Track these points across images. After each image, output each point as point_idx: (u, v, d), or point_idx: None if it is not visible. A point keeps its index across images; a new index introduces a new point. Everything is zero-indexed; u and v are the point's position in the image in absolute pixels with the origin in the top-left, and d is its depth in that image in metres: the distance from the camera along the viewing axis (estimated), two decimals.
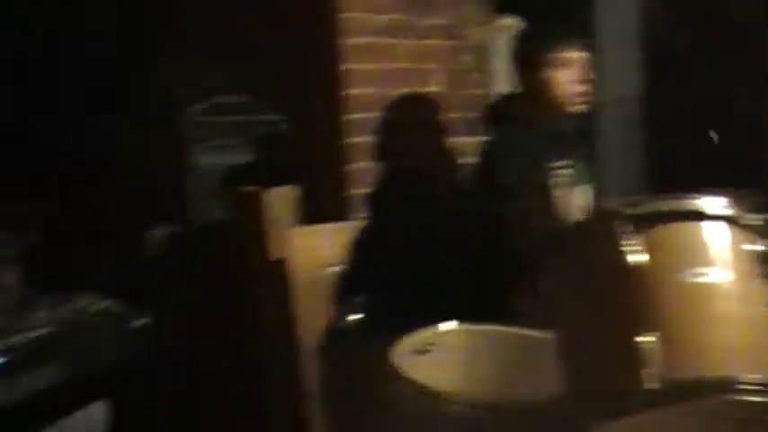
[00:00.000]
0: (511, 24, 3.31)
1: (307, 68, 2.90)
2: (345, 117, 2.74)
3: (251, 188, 2.80)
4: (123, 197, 3.51)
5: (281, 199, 2.72)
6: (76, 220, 3.62)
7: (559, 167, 2.54)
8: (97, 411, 2.01)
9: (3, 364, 1.80)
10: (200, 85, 3.64)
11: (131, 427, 2.10)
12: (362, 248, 2.74)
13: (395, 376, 1.87)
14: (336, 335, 2.62)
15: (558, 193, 2.52)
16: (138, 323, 2.04)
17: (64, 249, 3.47)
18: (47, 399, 1.81)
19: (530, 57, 2.60)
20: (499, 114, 2.70)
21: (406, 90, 2.92)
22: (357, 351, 2.61)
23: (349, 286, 2.63)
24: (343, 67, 2.74)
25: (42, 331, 2.11)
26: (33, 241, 3.56)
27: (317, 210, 2.72)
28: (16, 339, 2.05)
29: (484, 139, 2.70)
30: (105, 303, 2.19)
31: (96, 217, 3.56)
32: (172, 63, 3.68)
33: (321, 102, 2.82)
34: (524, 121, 2.59)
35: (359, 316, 2.63)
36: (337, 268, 2.63)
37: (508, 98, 2.75)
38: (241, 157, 3.55)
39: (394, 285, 2.70)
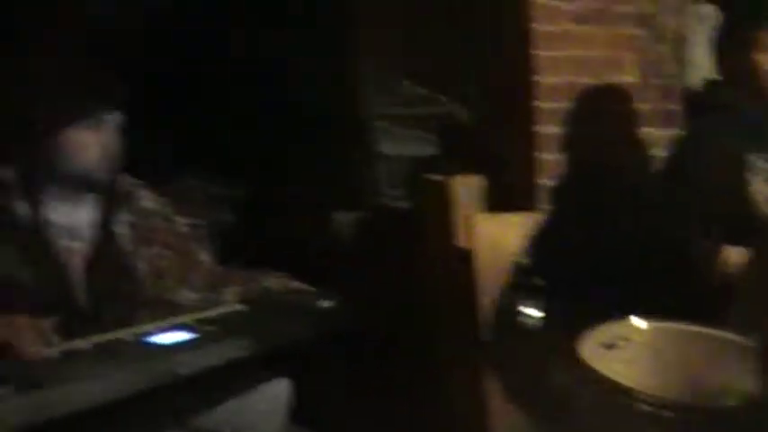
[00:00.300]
0: (709, 13, 3.17)
1: (497, 56, 2.88)
2: (536, 105, 2.69)
3: (437, 176, 2.81)
4: (314, 182, 3.61)
5: (467, 187, 2.72)
6: (268, 201, 3.76)
7: (763, 162, 2.39)
8: (281, 387, 2.06)
9: (194, 338, 1.87)
10: (386, 76, 3.70)
11: (312, 405, 2.14)
12: (545, 239, 2.70)
13: (582, 370, 1.82)
14: (512, 324, 2.59)
15: (760, 190, 2.38)
16: (324, 304, 2.07)
17: (255, 229, 3.61)
18: (234, 371, 1.87)
19: (736, 38, 2.43)
20: (699, 104, 2.58)
21: (598, 79, 2.83)
22: (537, 342, 2.57)
23: (528, 277, 2.59)
24: (535, 53, 2.69)
25: (232, 308, 2.19)
26: (226, 220, 3.73)
27: (504, 199, 2.69)
28: (208, 314, 2.13)
29: (680, 131, 2.60)
30: (294, 283, 2.24)
31: (286, 200, 3.69)
32: (359, 56, 3.75)
33: (512, 90, 2.78)
34: (727, 111, 2.44)
35: (538, 307, 2.59)
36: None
37: (709, 87, 2.61)
38: (426, 148, 3.58)
39: (576, 278, 2.63)
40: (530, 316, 2.62)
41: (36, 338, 1.76)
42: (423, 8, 3.71)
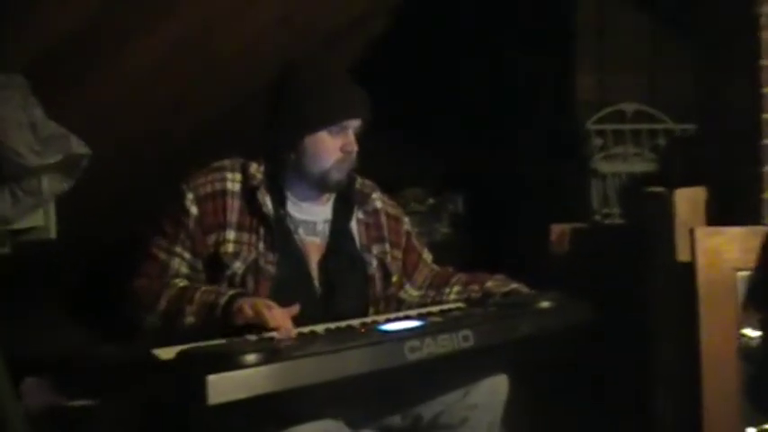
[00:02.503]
0: None
1: (721, 67, 2.84)
2: (765, 118, 2.63)
3: (658, 189, 2.81)
4: (531, 195, 3.68)
5: (688, 200, 2.70)
6: (487, 212, 3.85)
7: None
8: (500, 382, 2.12)
9: (421, 325, 1.97)
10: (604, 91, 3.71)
11: (530, 403, 2.20)
12: None
13: None
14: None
15: None
16: (544, 305, 2.12)
17: (473, 238, 3.72)
18: (456, 363, 1.94)
19: None
20: None
21: None
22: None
23: (760, 294, 2.53)
24: (764, 64, 2.64)
25: (455, 305, 2.28)
26: (447, 228, 3.86)
27: (726, 212, 2.65)
28: (432, 310, 2.24)
29: None
30: (513, 285, 2.31)
31: (504, 211, 3.78)
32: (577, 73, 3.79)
33: (737, 101, 2.73)
34: None
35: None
36: (745, 273, 2.54)
37: None
38: (642, 165, 3.56)
39: None
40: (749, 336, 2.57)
41: (280, 320, 1.93)
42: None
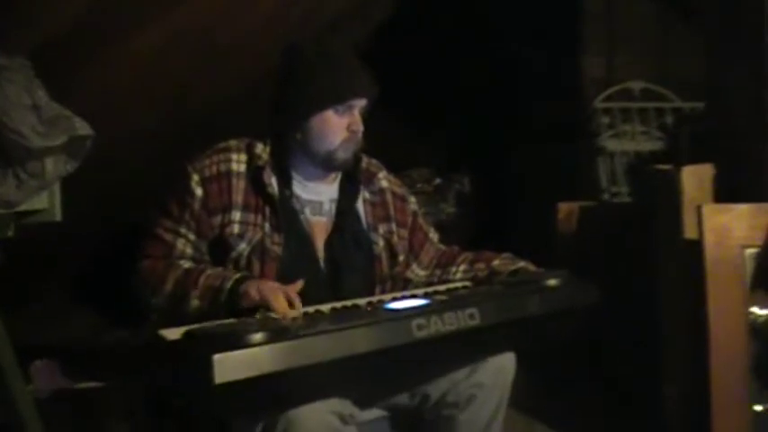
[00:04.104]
0: None
1: (728, 45, 2.82)
2: None
3: (665, 167, 2.80)
4: (539, 174, 3.67)
5: (695, 177, 2.69)
6: (493, 191, 3.85)
7: None
8: (508, 361, 2.12)
9: (427, 304, 1.96)
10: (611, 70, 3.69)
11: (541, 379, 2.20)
12: None
13: None
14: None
15: None
16: (551, 283, 2.11)
17: (480, 217, 3.71)
18: (462, 342, 1.94)
19: None
20: None
21: None
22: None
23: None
24: None
25: (460, 284, 2.28)
26: (453, 207, 3.86)
27: (734, 189, 2.64)
28: (439, 288, 2.23)
29: None
30: (520, 263, 2.30)
31: (511, 190, 3.77)
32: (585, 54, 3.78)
33: (744, 79, 2.72)
34: None
35: None
36: (753, 250, 2.53)
37: None
38: (649, 144, 3.55)
39: None
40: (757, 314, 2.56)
41: (285, 299, 1.93)
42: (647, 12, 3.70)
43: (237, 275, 2.01)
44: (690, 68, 3.59)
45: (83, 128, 2.07)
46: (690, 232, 2.62)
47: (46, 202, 2.14)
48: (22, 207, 2.08)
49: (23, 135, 1.95)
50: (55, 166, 2.05)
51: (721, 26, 2.89)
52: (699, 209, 2.56)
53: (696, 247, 2.55)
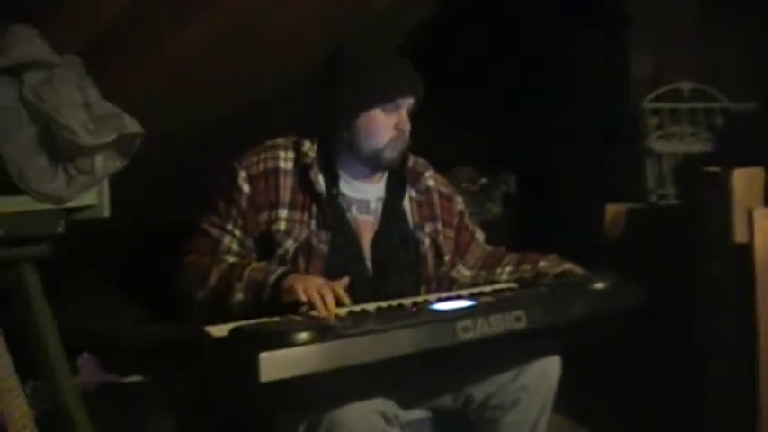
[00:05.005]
0: None
1: None
2: None
3: (715, 169, 2.76)
4: (586, 175, 3.64)
5: (746, 180, 2.65)
6: (540, 192, 3.83)
7: None
8: (553, 364, 2.10)
9: (473, 305, 1.96)
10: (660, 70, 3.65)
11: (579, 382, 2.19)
12: None
13: None
14: None
15: None
16: (598, 286, 2.10)
17: (525, 219, 3.69)
18: (508, 343, 1.93)
19: None
20: None
21: None
22: None
23: None
24: None
25: (506, 285, 2.27)
26: (498, 208, 3.84)
27: None
28: (484, 289, 2.22)
29: None
30: (567, 265, 2.28)
31: (558, 191, 3.74)
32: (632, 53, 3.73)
33: None
34: None
35: None
36: None
37: None
38: (698, 145, 3.51)
39: None
40: None
41: (332, 297, 1.93)
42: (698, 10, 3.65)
43: (281, 270, 2.02)
44: (740, 68, 3.54)
45: (133, 126, 2.08)
46: (740, 236, 2.58)
47: (95, 198, 2.15)
48: (72, 203, 2.10)
49: (75, 132, 1.97)
50: (104, 164, 2.06)
51: None
52: (749, 212, 2.52)
53: (746, 251, 2.52)
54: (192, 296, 2.09)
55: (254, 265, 2.06)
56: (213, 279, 2.06)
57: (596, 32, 3.80)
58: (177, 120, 3.04)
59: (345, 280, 1.98)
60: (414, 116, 2.21)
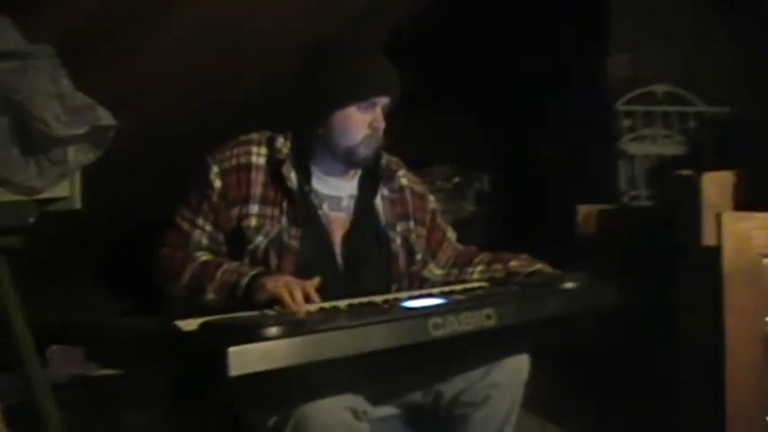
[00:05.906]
0: None
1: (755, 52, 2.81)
2: None
3: (686, 172, 2.78)
4: (559, 175, 3.65)
5: (716, 184, 2.68)
6: (513, 191, 3.84)
7: None
8: (523, 362, 2.11)
9: (444, 303, 1.96)
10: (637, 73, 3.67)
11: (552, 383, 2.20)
12: None
13: None
14: None
15: None
16: (569, 285, 2.11)
17: (498, 218, 3.70)
18: (479, 341, 1.94)
19: None
20: None
21: None
22: None
23: None
24: None
25: (477, 284, 2.27)
26: (471, 207, 3.85)
27: (755, 197, 2.63)
28: (455, 288, 2.23)
29: None
30: (538, 264, 2.29)
31: (531, 191, 3.75)
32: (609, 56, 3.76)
33: None
34: None
35: None
36: None
37: None
38: (671, 148, 3.53)
39: None
40: None
41: (301, 294, 1.94)
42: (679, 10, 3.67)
43: (253, 272, 2.02)
44: (714, 72, 3.57)
45: (106, 118, 2.07)
46: (709, 239, 2.60)
47: (67, 190, 2.14)
48: (43, 195, 2.08)
49: (47, 123, 1.96)
50: (77, 155, 2.05)
51: (752, 31, 2.88)
52: (719, 216, 2.54)
53: (715, 254, 2.54)
54: (168, 291, 2.10)
55: (227, 265, 2.06)
56: (186, 277, 2.07)
57: (574, 33, 3.82)
58: (155, 113, 3.03)
59: (317, 280, 1.99)
60: (389, 115, 2.21)
